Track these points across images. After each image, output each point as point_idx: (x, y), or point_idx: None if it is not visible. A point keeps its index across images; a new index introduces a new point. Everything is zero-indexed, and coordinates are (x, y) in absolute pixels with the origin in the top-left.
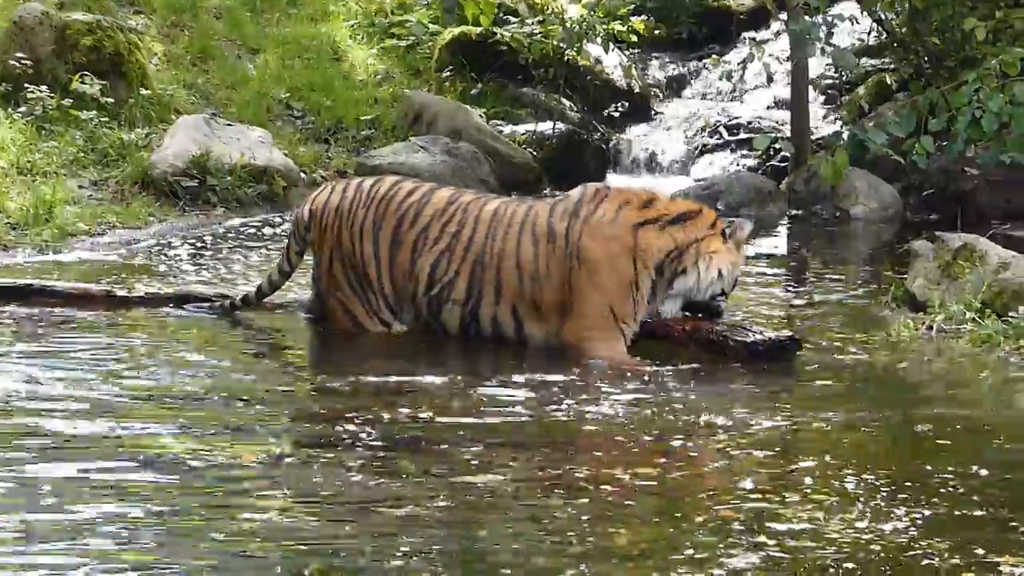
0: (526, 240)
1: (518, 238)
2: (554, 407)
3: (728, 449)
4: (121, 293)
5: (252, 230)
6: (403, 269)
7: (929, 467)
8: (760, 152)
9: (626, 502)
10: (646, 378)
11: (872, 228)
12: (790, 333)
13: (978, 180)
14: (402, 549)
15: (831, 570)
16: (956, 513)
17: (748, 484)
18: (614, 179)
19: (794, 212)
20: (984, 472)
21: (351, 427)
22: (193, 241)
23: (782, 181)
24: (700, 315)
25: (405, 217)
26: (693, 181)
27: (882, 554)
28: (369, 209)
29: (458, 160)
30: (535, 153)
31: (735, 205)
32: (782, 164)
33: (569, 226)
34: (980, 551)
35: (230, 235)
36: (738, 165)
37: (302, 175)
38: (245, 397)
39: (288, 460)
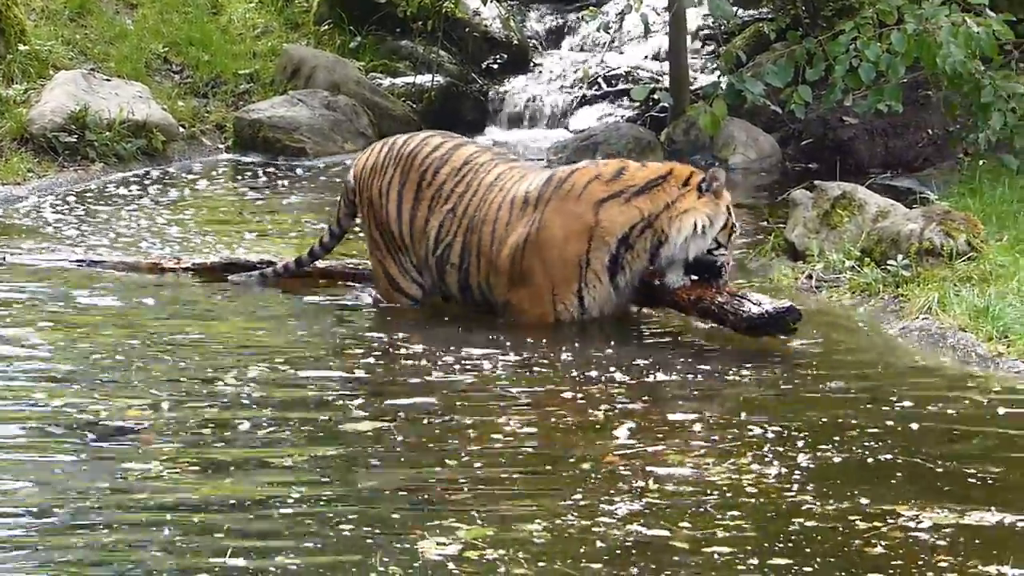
0: (504, 207)
1: (499, 203)
2: (450, 364)
3: (620, 400)
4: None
5: (130, 188)
6: (419, 228)
7: (824, 417)
8: (639, 102)
9: (515, 449)
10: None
11: (751, 178)
12: (788, 303)
13: (856, 129)
14: (293, 496)
15: (713, 514)
16: (847, 462)
17: (638, 433)
18: (493, 132)
19: None
20: (881, 423)
21: (233, 383)
22: (75, 198)
23: (661, 131)
24: (706, 276)
25: (426, 174)
26: (572, 132)
27: (762, 499)
28: (397, 167)
29: (337, 113)
30: (414, 106)
31: (614, 156)
32: (661, 114)
33: (540, 195)
34: (865, 500)
35: (109, 191)
36: (617, 116)
37: (181, 129)
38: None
39: (174, 415)
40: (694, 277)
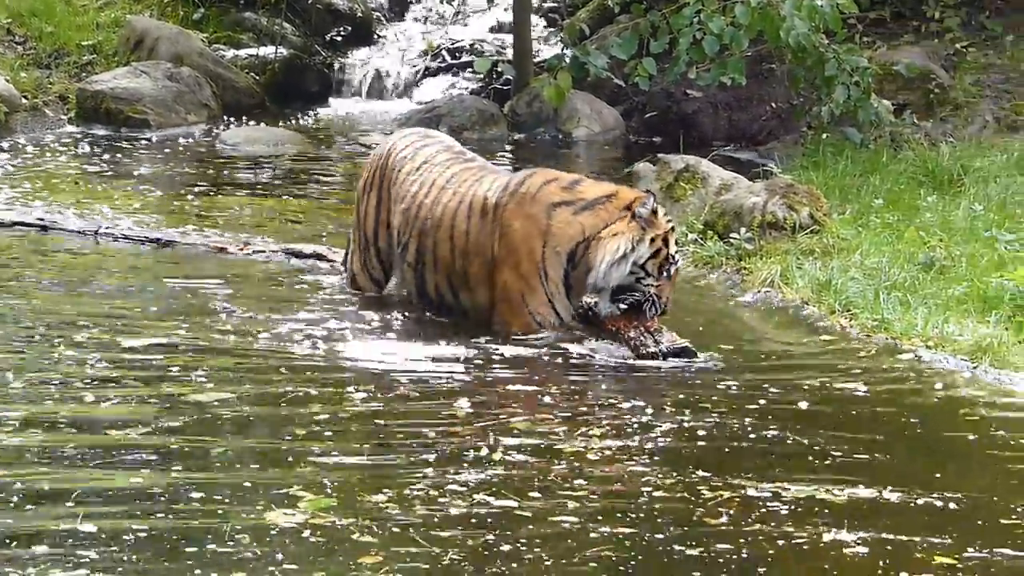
0: (461, 213)
1: (455, 210)
2: (295, 336)
3: (469, 370)
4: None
5: None
6: (384, 225)
7: (678, 392)
8: (482, 75)
9: (361, 420)
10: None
11: (595, 150)
12: (684, 344)
13: (700, 102)
14: (142, 466)
15: (561, 484)
16: (698, 437)
17: (486, 403)
18: (337, 103)
19: (516, 135)
20: (736, 399)
21: (75, 353)
22: None
23: (505, 104)
24: (633, 305)
25: (391, 172)
26: (416, 104)
27: (606, 468)
28: (376, 163)
29: (180, 85)
30: (257, 77)
31: (457, 128)
32: (504, 87)
33: (498, 201)
34: (704, 472)
35: None
36: (461, 88)
37: (23, 100)
38: None
39: (17, 385)
40: (623, 306)
